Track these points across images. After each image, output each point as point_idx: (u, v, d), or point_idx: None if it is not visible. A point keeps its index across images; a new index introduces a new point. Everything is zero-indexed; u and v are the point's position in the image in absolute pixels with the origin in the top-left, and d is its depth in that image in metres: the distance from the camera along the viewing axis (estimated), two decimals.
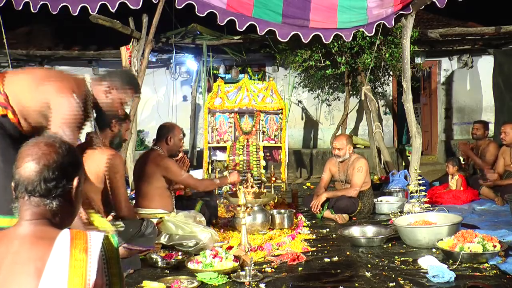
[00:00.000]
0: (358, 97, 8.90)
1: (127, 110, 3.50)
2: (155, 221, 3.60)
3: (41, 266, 1.14)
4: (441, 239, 3.47)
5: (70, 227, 1.31)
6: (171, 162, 3.89)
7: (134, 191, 4.19)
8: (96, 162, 3.05)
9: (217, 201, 5.30)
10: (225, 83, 7.90)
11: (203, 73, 8.76)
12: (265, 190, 5.17)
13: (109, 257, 1.23)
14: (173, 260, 3.36)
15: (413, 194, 4.56)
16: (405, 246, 3.76)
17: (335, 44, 7.17)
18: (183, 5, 5.19)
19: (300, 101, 10.14)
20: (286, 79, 9.39)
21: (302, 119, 10.28)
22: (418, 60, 8.74)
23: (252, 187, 4.31)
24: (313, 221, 4.85)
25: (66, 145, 1.32)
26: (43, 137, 1.33)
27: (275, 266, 3.28)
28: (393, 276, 3.01)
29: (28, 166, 1.26)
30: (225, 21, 5.36)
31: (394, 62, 7.45)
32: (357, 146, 9.20)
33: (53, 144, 1.30)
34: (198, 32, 8.63)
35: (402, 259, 3.41)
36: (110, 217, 3.25)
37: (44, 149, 1.28)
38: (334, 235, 4.24)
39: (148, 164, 3.86)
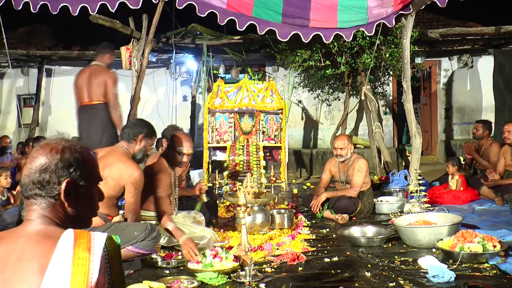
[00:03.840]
0: (358, 97, 8.90)
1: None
2: (153, 223, 3.60)
3: (45, 263, 1.15)
4: (441, 239, 3.46)
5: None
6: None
7: None
8: (120, 172, 3.14)
9: (217, 201, 5.31)
10: (225, 83, 7.89)
11: (203, 73, 8.76)
12: (265, 190, 5.16)
13: (112, 256, 1.24)
14: (173, 260, 3.36)
15: (413, 194, 4.56)
16: (405, 246, 3.76)
17: (335, 44, 7.18)
18: (184, 5, 5.19)
19: (300, 101, 10.14)
20: (286, 79, 9.39)
21: (302, 119, 10.28)
22: (418, 60, 8.73)
23: (252, 187, 4.30)
24: (313, 221, 4.85)
25: (59, 147, 1.30)
26: (47, 139, 1.35)
27: (275, 266, 3.28)
28: (393, 276, 3.01)
29: (24, 170, 1.30)
30: (225, 21, 5.36)
31: (394, 62, 7.45)
32: (357, 146, 9.20)
33: (46, 147, 1.31)
34: (198, 32, 8.64)
35: (402, 259, 3.41)
36: (118, 218, 3.26)
37: (38, 153, 1.30)
38: (334, 235, 4.24)
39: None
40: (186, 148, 3.81)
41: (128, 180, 3.14)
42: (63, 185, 1.29)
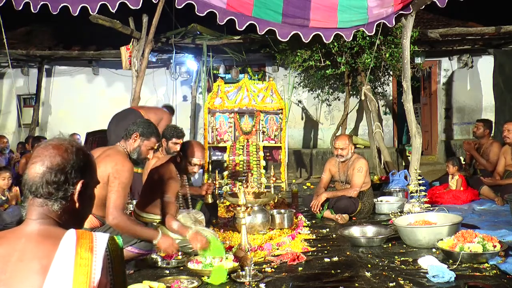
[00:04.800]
0: (358, 97, 8.90)
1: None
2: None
3: (47, 264, 1.16)
4: (441, 239, 3.46)
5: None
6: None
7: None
8: (105, 167, 3.04)
9: (217, 201, 5.31)
10: (225, 83, 7.89)
11: (203, 73, 8.76)
12: (265, 190, 5.16)
13: (114, 256, 1.24)
14: (173, 260, 3.36)
15: (413, 194, 4.56)
16: (405, 246, 3.76)
17: (335, 44, 7.18)
18: (183, 5, 5.19)
19: (300, 101, 10.14)
20: (286, 79, 9.39)
21: (302, 119, 10.28)
22: (418, 60, 8.73)
23: (252, 187, 4.30)
24: (313, 221, 4.85)
25: (73, 149, 1.33)
26: (54, 139, 1.35)
27: (275, 266, 3.28)
28: (393, 276, 3.01)
29: (34, 168, 1.29)
30: (225, 21, 5.36)
31: (394, 62, 7.45)
32: (357, 146, 9.20)
33: (60, 147, 1.31)
34: (198, 32, 8.64)
35: (402, 259, 3.41)
36: None
37: (50, 152, 1.30)
38: (334, 235, 4.24)
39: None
40: (199, 158, 3.75)
41: (110, 170, 3.00)
42: (78, 186, 1.31)
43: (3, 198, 4.92)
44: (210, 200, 4.41)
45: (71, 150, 1.32)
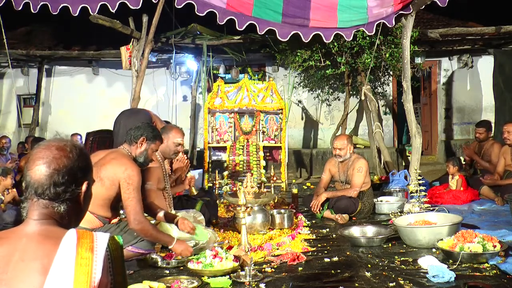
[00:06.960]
0: (358, 97, 8.90)
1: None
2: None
3: (48, 263, 1.16)
4: (441, 239, 3.46)
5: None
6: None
7: None
8: (114, 170, 3.08)
9: (217, 201, 5.30)
10: (225, 83, 7.89)
11: (203, 73, 8.76)
12: (265, 190, 5.16)
13: (114, 256, 1.25)
14: (173, 260, 3.35)
15: (413, 194, 4.56)
16: (405, 246, 3.76)
17: (335, 44, 7.18)
18: (182, 5, 5.20)
19: (300, 101, 10.14)
20: (286, 79, 9.39)
21: (302, 119, 10.28)
22: (418, 60, 8.74)
23: (252, 187, 4.30)
24: (313, 221, 4.85)
25: (77, 149, 1.33)
26: (55, 140, 1.34)
27: (275, 266, 3.28)
28: (393, 276, 3.01)
29: (39, 169, 1.27)
30: (225, 21, 5.36)
31: (394, 62, 7.46)
32: (357, 146, 9.20)
33: (64, 148, 1.31)
34: (198, 32, 8.64)
35: (402, 259, 3.41)
36: (117, 220, 3.25)
37: (55, 153, 1.29)
38: (334, 235, 4.24)
39: None
40: (181, 138, 3.97)
41: (122, 176, 3.06)
42: (84, 186, 1.32)
43: (3, 198, 4.93)
44: (195, 192, 4.45)
45: (75, 152, 1.32)
